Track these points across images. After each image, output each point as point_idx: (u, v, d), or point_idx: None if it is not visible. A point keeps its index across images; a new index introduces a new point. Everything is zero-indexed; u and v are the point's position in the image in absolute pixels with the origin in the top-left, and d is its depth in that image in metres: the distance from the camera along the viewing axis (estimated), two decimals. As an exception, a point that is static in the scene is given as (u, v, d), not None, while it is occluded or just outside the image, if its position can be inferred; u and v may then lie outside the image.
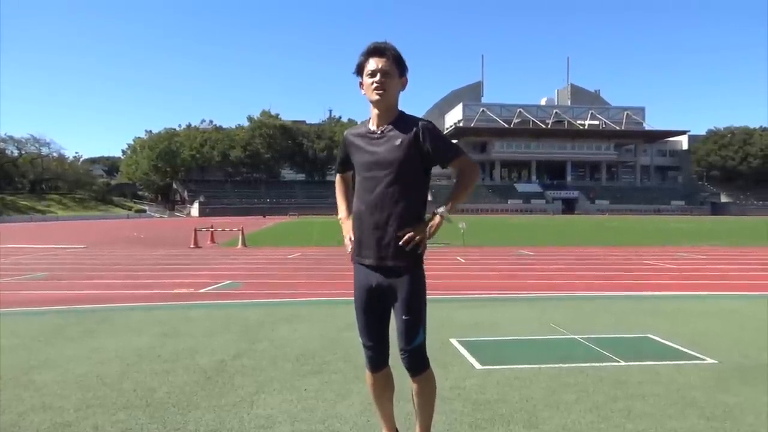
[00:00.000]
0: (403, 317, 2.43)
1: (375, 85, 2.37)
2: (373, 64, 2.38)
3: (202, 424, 3.14)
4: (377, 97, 2.38)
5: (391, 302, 2.48)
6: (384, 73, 2.37)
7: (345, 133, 2.62)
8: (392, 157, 2.38)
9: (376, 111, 2.45)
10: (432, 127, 2.44)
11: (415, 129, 2.40)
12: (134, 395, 3.62)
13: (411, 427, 2.71)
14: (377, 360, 2.57)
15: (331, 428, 3.08)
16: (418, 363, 2.47)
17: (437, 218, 2.39)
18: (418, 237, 2.35)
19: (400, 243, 2.35)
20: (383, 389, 2.63)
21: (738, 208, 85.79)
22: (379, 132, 2.44)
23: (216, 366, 4.31)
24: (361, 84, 2.46)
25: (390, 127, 2.43)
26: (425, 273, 2.51)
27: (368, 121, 2.52)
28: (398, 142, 2.39)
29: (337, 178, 2.77)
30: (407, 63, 2.46)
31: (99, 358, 4.56)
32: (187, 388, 3.78)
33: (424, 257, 2.48)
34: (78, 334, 5.47)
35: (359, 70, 2.44)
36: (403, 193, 2.38)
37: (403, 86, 2.48)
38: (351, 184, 2.67)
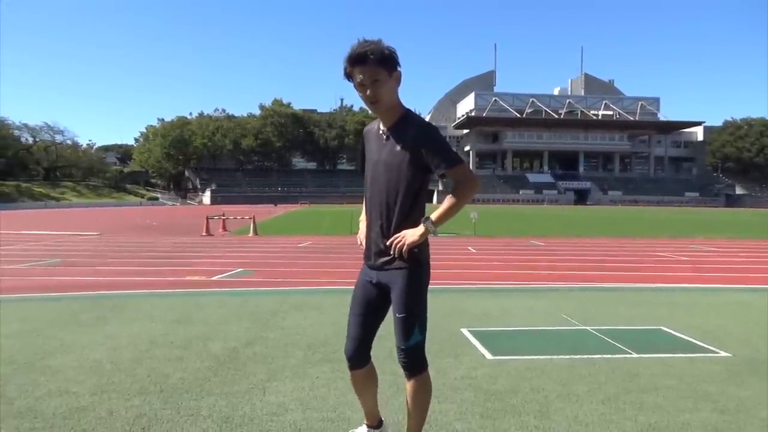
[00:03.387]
0: (397, 315, 2.40)
1: (366, 99, 2.30)
2: (358, 76, 2.26)
3: (215, 410, 3.17)
4: (372, 108, 2.34)
5: (390, 299, 2.46)
6: (371, 83, 2.26)
7: (365, 129, 2.59)
8: (391, 162, 2.35)
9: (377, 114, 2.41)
10: (428, 132, 2.33)
11: (412, 133, 2.32)
12: (148, 381, 3.67)
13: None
14: (357, 356, 2.53)
15: (342, 416, 3.10)
16: (414, 363, 2.43)
17: (422, 229, 2.31)
18: (402, 243, 2.31)
19: (392, 251, 2.33)
20: (363, 386, 2.62)
21: (753, 200, 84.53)
22: (385, 134, 2.41)
23: (228, 353, 4.35)
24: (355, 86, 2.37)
25: (394, 130, 2.38)
26: (429, 271, 2.45)
27: None
28: (398, 147, 2.34)
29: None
30: (404, 53, 2.37)
31: (113, 344, 4.61)
32: (200, 374, 3.82)
33: (428, 254, 2.44)
34: (92, 320, 5.53)
35: (348, 77, 2.33)
36: (399, 197, 2.35)
37: (398, 81, 2.34)
38: None
